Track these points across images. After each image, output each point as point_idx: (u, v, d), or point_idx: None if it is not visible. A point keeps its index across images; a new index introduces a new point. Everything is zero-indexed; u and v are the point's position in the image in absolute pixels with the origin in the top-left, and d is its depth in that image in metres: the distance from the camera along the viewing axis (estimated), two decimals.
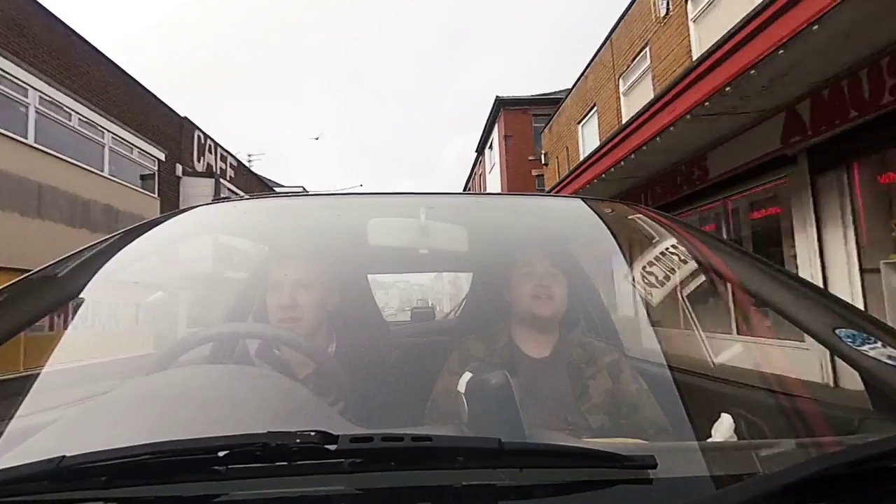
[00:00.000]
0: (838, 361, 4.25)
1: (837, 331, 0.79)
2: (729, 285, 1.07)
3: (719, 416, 0.80)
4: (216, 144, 13.94)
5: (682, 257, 1.19)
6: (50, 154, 8.17)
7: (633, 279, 1.30)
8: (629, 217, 1.35)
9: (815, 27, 3.58)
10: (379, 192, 1.52)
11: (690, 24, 7.44)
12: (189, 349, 0.95)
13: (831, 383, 4.67)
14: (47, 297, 0.94)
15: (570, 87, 12.60)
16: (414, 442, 0.47)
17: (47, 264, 0.97)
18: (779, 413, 0.97)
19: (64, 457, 0.45)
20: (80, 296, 1.00)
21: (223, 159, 14.41)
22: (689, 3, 7.46)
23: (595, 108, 10.77)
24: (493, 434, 0.49)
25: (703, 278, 1.22)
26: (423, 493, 0.48)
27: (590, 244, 1.63)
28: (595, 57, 10.69)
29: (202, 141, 13.24)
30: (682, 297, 1.29)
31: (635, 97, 8.98)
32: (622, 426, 1.10)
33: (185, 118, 12.55)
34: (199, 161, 13.02)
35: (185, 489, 0.47)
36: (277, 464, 0.47)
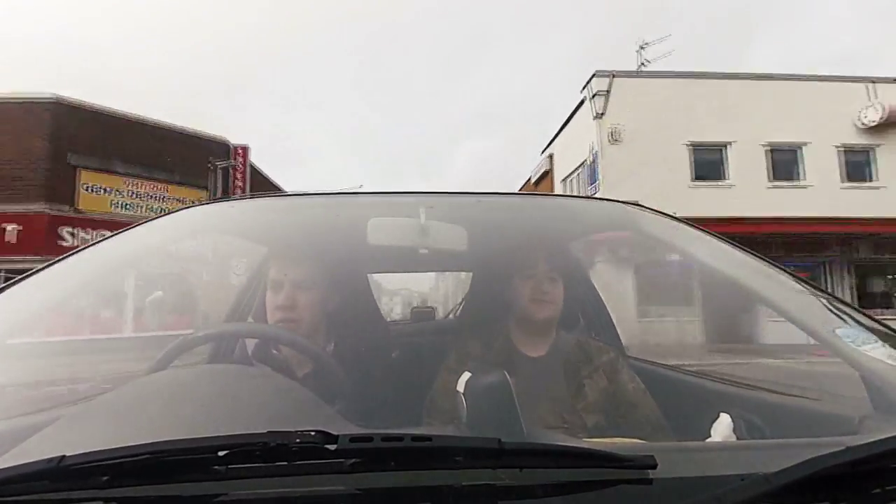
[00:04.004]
0: None
1: (837, 331, 0.79)
2: (731, 285, 1.07)
3: (719, 416, 0.80)
4: None
5: (684, 257, 1.19)
6: None
7: (633, 278, 1.30)
8: (631, 217, 1.35)
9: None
10: (379, 192, 1.50)
11: None
12: (188, 349, 0.95)
13: None
14: (45, 295, 0.94)
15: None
16: (414, 442, 0.47)
17: (46, 264, 0.96)
18: (779, 413, 0.97)
19: (64, 456, 0.45)
20: (78, 295, 0.99)
21: None
22: None
23: None
24: (493, 434, 0.49)
25: (705, 278, 1.22)
26: (423, 493, 0.48)
27: (590, 243, 1.62)
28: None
29: None
30: (683, 296, 1.29)
31: None
32: (619, 425, 1.10)
33: None
34: None
35: (185, 489, 0.46)
36: (277, 463, 0.46)
